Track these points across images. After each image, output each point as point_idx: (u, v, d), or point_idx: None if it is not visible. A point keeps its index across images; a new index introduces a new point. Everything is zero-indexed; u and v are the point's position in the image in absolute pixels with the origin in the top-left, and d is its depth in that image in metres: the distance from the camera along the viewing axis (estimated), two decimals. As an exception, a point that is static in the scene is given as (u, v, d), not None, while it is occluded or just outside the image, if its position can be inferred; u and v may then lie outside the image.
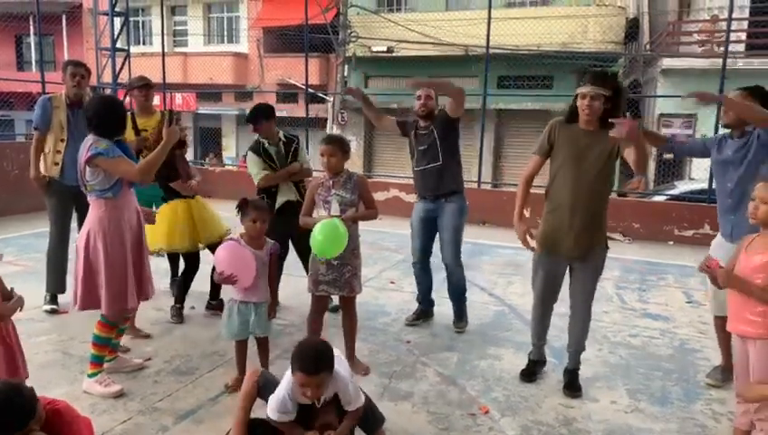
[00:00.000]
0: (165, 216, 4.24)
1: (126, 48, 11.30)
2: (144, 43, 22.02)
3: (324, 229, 3.20)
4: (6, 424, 1.92)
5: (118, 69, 11.06)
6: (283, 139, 4.39)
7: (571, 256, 3.29)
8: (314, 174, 4.27)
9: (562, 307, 3.53)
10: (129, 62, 11.14)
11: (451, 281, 4.40)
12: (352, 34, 17.89)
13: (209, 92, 20.55)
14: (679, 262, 6.68)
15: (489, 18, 9.12)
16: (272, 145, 4.33)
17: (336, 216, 3.32)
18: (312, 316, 3.58)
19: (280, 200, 4.35)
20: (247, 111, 4.49)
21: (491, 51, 9.77)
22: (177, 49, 21.73)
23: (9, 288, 2.57)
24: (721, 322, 3.45)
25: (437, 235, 4.35)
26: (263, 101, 5.89)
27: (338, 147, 3.40)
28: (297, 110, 18.92)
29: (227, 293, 3.45)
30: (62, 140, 4.35)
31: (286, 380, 2.43)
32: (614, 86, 3.12)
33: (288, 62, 18.56)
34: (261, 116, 4.32)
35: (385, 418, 2.70)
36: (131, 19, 14.68)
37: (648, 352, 4.06)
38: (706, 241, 7.38)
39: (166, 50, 11.92)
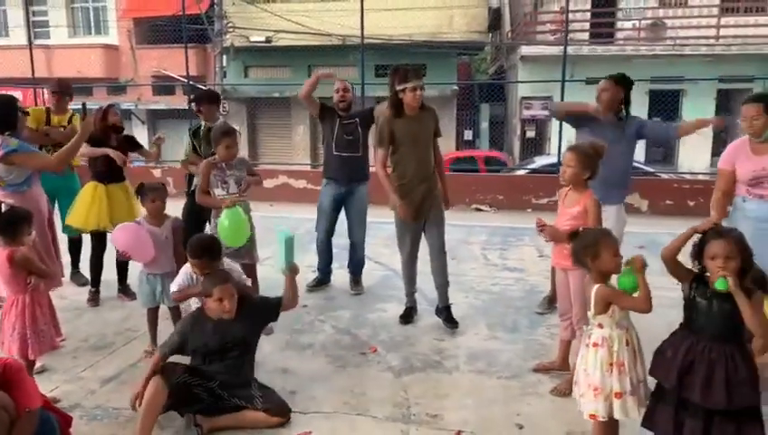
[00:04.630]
0: (82, 196, 4.41)
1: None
2: (-3, 36, 20.47)
3: (231, 220, 3.62)
4: None
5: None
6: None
7: (422, 217, 4.08)
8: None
9: (427, 266, 4.24)
10: (-8, 57, 10.59)
11: (355, 255, 5.05)
12: (229, 25, 17.85)
13: (79, 87, 19.52)
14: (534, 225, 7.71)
15: (362, 9, 9.67)
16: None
17: (235, 193, 3.81)
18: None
19: (195, 182, 4.66)
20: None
21: (366, 40, 10.39)
22: (39, 41, 20.34)
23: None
24: None
25: (343, 214, 4.97)
26: (138, 94, 6.12)
27: (237, 138, 3.93)
28: (175, 101, 18.59)
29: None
30: None
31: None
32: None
33: (162, 54, 18.09)
34: (205, 99, 4.72)
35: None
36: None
37: (505, 296, 4.92)
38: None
39: (25, 43, 11.40)
